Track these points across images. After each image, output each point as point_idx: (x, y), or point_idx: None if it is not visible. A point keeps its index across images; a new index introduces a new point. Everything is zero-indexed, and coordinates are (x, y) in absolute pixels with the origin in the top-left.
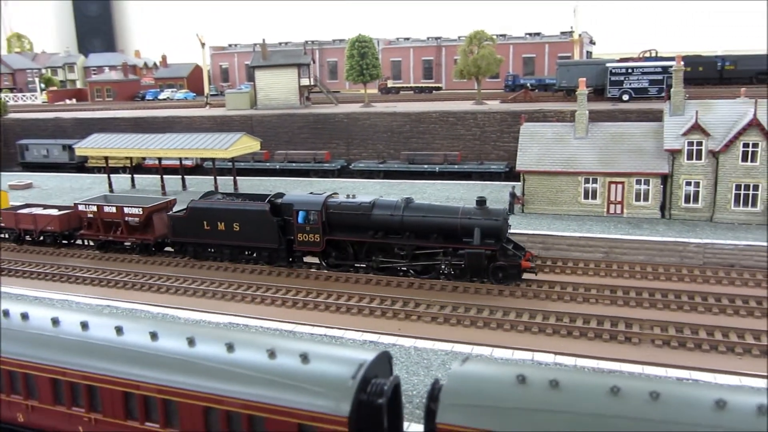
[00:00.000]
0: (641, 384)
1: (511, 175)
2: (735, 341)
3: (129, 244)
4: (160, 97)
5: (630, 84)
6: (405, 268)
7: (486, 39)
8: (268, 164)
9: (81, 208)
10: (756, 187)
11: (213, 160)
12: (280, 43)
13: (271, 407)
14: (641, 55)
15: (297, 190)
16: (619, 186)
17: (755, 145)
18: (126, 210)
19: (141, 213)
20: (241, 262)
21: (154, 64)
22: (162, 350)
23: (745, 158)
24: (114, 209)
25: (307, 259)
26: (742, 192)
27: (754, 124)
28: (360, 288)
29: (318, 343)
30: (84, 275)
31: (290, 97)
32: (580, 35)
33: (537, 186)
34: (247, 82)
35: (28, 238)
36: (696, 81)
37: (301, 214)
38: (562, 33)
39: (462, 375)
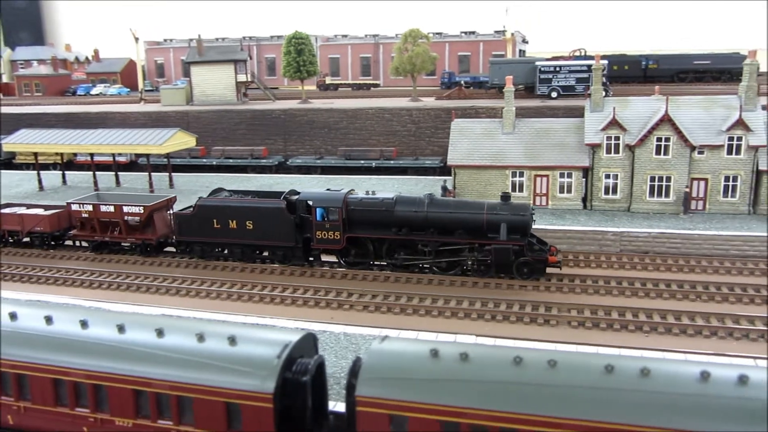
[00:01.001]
0: (540, 354)
1: (445, 169)
2: (644, 320)
3: (128, 244)
4: (93, 92)
5: (558, 82)
6: (428, 265)
7: (421, 37)
8: (204, 160)
9: (74, 207)
10: (668, 179)
11: (147, 156)
12: (217, 39)
13: (199, 387)
14: (571, 54)
15: (314, 187)
16: (544, 179)
17: (667, 140)
18: (125, 209)
19: (142, 212)
20: (252, 261)
21: (86, 58)
22: (91, 337)
23: (658, 152)
24: (112, 208)
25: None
26: (656, 183)
27: (665, 119)
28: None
29: (246, 327)
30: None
31: (227, 93)
32: (512, 34)
33: (467, 180)
34: (183, 77)
35: (11, 240)
36: (622, 79)
37: (319, 211)
38: (496, 32)
39: (380, 352)
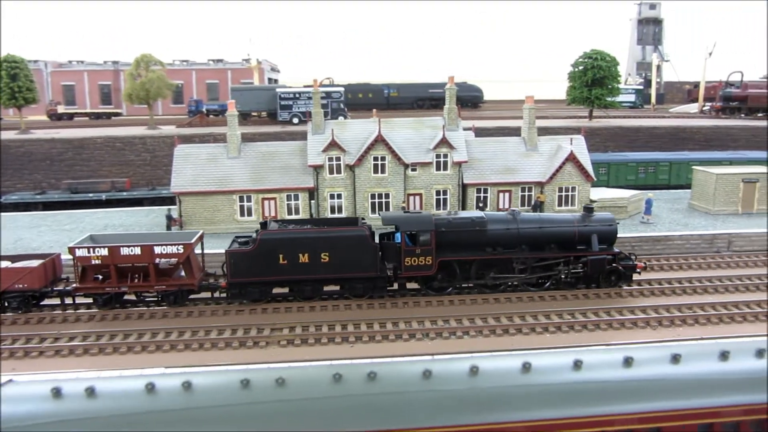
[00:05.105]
0: (175, 378)
1: None
2: (404, 329)
3: (156, 294)
4: None
5: (298, 108)
6: (518, 283)
7: (154, 63)
8: None
9: (80, 253)
10: (387, 195)
11: None
12: None
13: None
14: (321, 83)
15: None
16: (272, 202)
17: (383, 158)
18: (157, 250)
19: (181, 252)
20: (321, 298)
21: None
22: None
23: (376, 170)
24: (138, 250)
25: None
26: (377, 200)
27: (379, 139)
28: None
29: None
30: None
31: None
32: (258, 62)
33: (194, 206)
34: None
35: None
36: (368, 106)
37: (408, 235)
38: (244, 60)
39: None
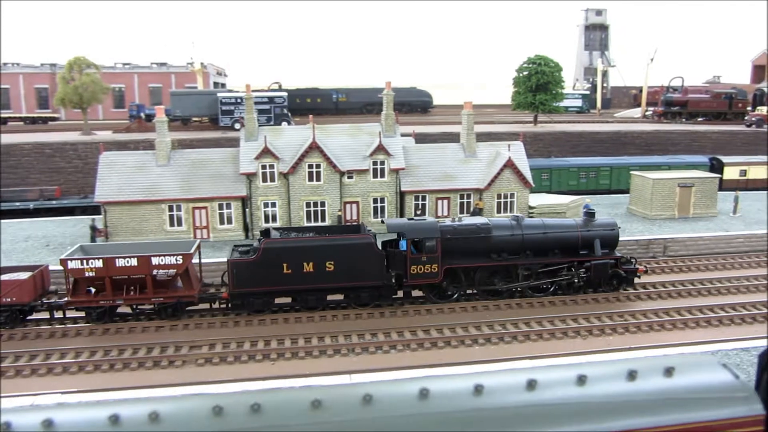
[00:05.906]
0: (35, 415)
1: None
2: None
3: (153, 306)
4: None
5: (240, 113)
6: (521, 289)
7: (88, 66)
8: None
9: (73, 264)
10: (323, 204)
11: None
12: None
13: None
14: (269, 87)
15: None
16: (203, 211)
17: (318, 166)
18: (155, 261)
19: (180, 262)
20: (324, 308)
21: None
22: None
23: (311, 178)
24: (135, 261)
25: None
26: (312, 209)
27: (314, 146)
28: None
29: None
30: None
31: None
32: (203, 65)
33: (120, 216)
34: None
35: None
36: (316, 111)
37: (414, 243)
38: (188, 64)
39: None
